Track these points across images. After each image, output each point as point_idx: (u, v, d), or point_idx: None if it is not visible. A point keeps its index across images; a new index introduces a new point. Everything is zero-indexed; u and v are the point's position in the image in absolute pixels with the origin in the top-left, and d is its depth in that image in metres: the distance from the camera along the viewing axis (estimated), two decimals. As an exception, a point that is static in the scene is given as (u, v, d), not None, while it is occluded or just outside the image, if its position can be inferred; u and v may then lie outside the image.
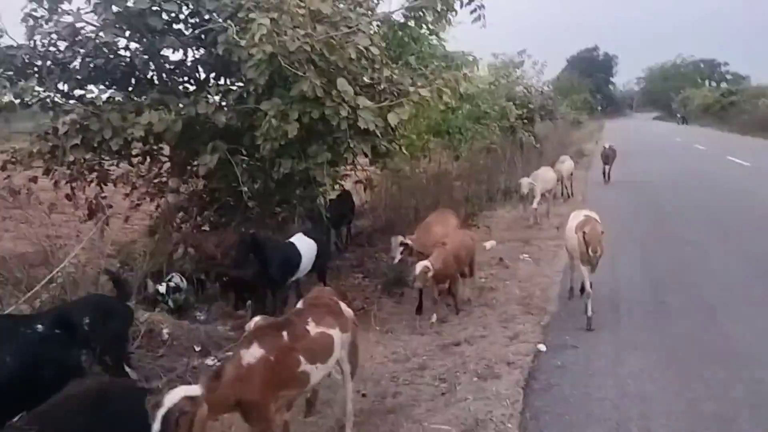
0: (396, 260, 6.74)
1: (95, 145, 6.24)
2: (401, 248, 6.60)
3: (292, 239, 6.55)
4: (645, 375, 4.75)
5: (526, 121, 18.88)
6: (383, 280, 7.34)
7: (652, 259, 8.31)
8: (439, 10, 9.42)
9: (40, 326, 3.77)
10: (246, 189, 6.51)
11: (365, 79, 6.74)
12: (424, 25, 10.06)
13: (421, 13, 9.15)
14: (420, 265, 5.79)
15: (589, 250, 5.60)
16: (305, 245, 6.45)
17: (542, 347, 5.28)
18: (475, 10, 10.21)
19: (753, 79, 65.78)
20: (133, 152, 7.18)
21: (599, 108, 69.65)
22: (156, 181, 7.98)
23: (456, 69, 9.87)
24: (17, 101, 6.77)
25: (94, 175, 7.30)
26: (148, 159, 7.71)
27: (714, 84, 68.79)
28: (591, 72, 79.81)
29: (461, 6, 9.95)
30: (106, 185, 7.54)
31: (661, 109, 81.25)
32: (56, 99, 6.62)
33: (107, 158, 7.05)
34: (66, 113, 6.09)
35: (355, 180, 10.48)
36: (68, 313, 4.05)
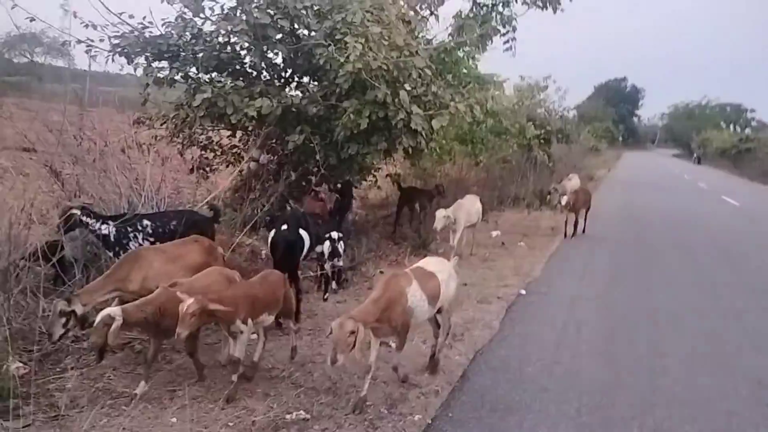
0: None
1: (218, 117, 8.60)
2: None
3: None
4: (583, 313, 7.03)
5: (542, 141, 21.10)
6: (411, 244, 9.66)
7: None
8: (476, 39, 11.89)
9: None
10: (321, 161, 8.85)
11: (417, 91, 9.03)
12: (462, 50, 12.46)
13: (462, 40, 11.55)
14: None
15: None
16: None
17: (523, 291, 7.64)
18: (507, 41, 12.62)
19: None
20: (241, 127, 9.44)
21: (620, 138, 71.43)
22: (233, 151, 10.39)
23: (485, 89, 12.17)
24: (150, 78, 9.15)
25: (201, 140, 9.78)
26: (240, 133, 10.11)
27: (738, 129, 69.85)
28: (617, 102, 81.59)
29: (498, 35, 12.38)
30: (205, 151, 10.03)
31: (681, 146, 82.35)
32: (192, 77, 8.92)
33: (219, 128, 9.40)
34: (202, 92, 8.39)
35: (386, 173, 12.86)
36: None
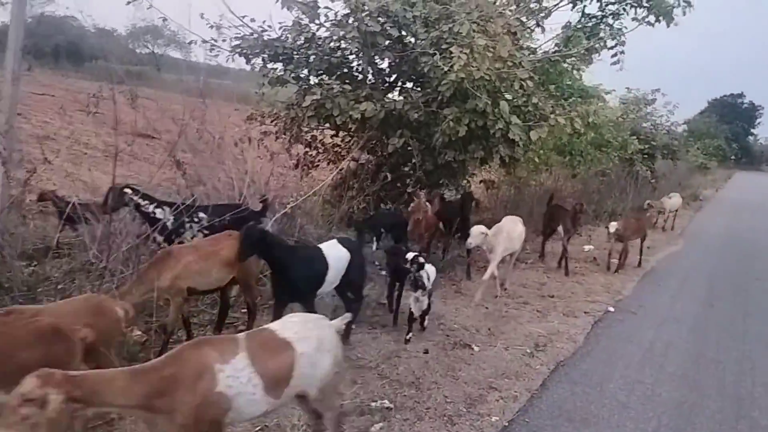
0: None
1: (324, 118, 9.11)
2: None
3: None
4: (671, 335, 6.93)
5: (646, 155, 20.39)
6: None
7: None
8: (583, 52, 11.78)
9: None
10: (419, 164, 9.17)
11: (518, 101, 9.13)
12: (567, 62, 12.35)
13: (569, 52, 11.48)
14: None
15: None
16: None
17: (611, 308, 7.59)
18: (615, 54, 12.37)
19: None
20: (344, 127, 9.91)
21: (732, 157, 67.13)
22: (335, 150, 10.89)
23: (588, 103, 12.00)
24: (266, 78, 9.80)
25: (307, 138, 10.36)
26: (343, 133, 10.60)
27: None
28: (731, 119, 76.52)
29: (604, 47, 12.17)
30: (309, 148, 10.61)
31: (803, 169, 76.33)
32: (302, 79, 9.48)
33: (324, 128, 9.94)
34: (312, 93, 8.90)
35: (480, 179, 12.98)
36: None
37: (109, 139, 9.75)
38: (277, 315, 4.63)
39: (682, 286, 9.45)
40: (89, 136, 13.04)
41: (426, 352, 5.60)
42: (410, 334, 5.83)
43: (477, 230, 7.49)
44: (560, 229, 9.78)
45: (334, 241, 5.67)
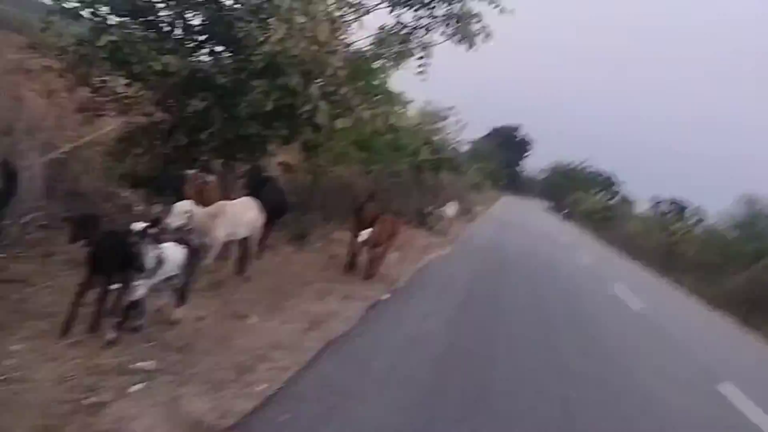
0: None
1: (120, 64, 8.32)
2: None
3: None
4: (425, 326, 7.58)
5: (433, 165, 22.07)
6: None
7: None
8: (394, 56, 12.34)
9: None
10: (217, 132, 8.82)
11: (328, 88, 9.26)
12: (378, 63, 12.86)
13: (381, 52, 11.95)
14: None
15: None
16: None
17: (385, 296, 8.10)
18: (422, 65, 13.15)
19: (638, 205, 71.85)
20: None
21: (503, 182, 75.57)
22: (126, 101, 10.05)
23: (391, 104, 12.65)
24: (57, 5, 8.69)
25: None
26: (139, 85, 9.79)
27: (607, 197, 75.85)
28: (507, 147, 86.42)
29: (414, 57, 12.86)
30: (96, 93, 9.63)
31: (556, 201, 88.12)
32: (99, 16, 8.56)
33: (118, 74, 9.07)
34: (109, 34, 8.07)
35: (278, 161, 12.98)
36: None
37: None
38: None
39: (447, 284, 10.40)
40: None
41: (201, 318, 5.42)
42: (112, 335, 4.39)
43: (181, 207, 5.99)
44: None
45: None
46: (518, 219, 36.96)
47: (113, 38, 7.99)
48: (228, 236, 6.78)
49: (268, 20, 7.93)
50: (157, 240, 4.50)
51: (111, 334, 4.37)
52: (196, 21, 9.28)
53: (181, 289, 5.14)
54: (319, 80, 8.51)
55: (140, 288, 4.48)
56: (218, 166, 10.14)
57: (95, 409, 3.51)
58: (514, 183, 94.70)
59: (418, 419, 4.71)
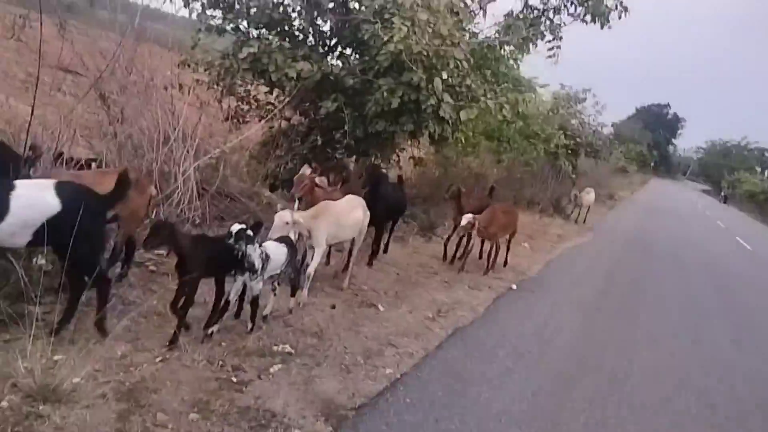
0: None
1: (259, 73, 9.06)
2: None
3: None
4: (564, 316, 7.46)
5: (570, 151, 21.30)
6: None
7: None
8: (521, 41, 12.12)
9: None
10: (349, 131, 9.29)
11: (452, 80, 9.38)
12: (505, 49, 12.71)
13: (508, 39, 11.82)
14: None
15: None
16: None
17: (514, 286, 8.08)
18: (552, 48, 12.81)
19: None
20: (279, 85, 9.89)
21: (652, 164, 70.77)
22: (268, 107, 10.84)
23: (519, 92, 12.43)
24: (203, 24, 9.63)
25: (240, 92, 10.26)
26: (278, 91, 10.55)
27: (768, 175, 68.57)
28: (655, 127, 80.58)
29: (542, 39, 12.55)
30: (241, 102, 10.52)
31: (711, 183, 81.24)
32: (241, 30, 9.37)
33: (259, 83, 9.85)
34: (249, 46, 8.81)
35: (409, 155, 13.25)
36: None
37: (31, 69, 9.31)
38: None
39: (583, 274, 10.11)
40: (10, 64, 12.39)
41: (333, 307, 5.82)
42: (214, 328, 4.63)
43: (280, 218, 5.51)
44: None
45: None
46: (668, 204, 34.56)
47: (253, 50, 8.71)
48: (333, 238, 6.26)
49: (393, 19, 8.20)
50: (254, 241, 4.59)
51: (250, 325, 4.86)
52: (326, 27, 9.84)
53: (291, 282, 5.46)
54: (443, 73, 8.64)
55: (256, 284, 4.72)
56: (352, 163, 10.69)
57: (239, 386, 3.96)
58: (665, 165, 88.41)
59: (545, 407, 4.74)
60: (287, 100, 10.18)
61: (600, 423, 4.69)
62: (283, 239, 5.29)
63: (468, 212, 8.22)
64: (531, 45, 12.61)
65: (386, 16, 8.49)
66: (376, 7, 8.76)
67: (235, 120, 10.41)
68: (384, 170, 9.92)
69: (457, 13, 9.97)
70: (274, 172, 9.81)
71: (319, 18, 9.51)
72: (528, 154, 16.92)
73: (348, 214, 6.42)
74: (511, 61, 14.05)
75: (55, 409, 3.17)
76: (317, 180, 7.35)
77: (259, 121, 10.76)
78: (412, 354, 5.15)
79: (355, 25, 9.10)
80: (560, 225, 14.78)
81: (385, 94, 8.55)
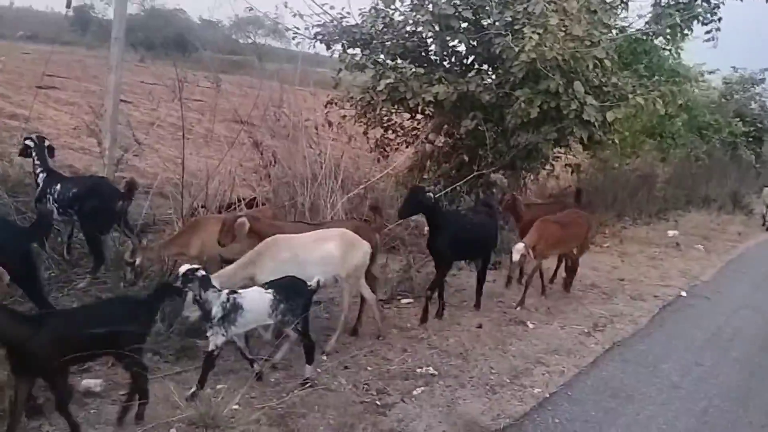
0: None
1: (398, 101, 9.36)
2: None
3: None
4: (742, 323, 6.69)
5: (751, 139, 19.14)
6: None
7: None
8: (671, 28, 11.20)
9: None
10: (490, 146, 9.22)
11: (595, 81, 8.94)
12: (656, 40, 11.84)
13: (657, 28, 11.01)
14: None
15: None
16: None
17: (683, 293, 7.39)
18: (710, 30, 11.71)
19: None
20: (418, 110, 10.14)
21: None
22: (413, 133, 11.09)
23: (678, 83, 11.48)
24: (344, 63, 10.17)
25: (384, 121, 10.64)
26: (419, 116, 10.80)
27: None
28: None
29: (699, 22, 11.51)
30: (386, 131, 10.90)
31: None
32: (379, 63, 9.78)
33: (401, 111, 10.16)
34: (386, 77, 9.15)
35: (564, 163, 12.71)
36: None
37: (209, 125, 10.45)
38: None
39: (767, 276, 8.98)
40: (192, 122, 14.08)
41: (480, 326, 5.77)
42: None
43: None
44: None
45: None
46: None
47: (390, 80, 9.02)
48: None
49: (523, 30, 8.06)
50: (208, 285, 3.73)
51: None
52: (462, 47, 9.92)
53: (302, 339, 4.20)
54: (584, 75, 8.29)
55: (213, 337, 3.79)
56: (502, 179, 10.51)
57: (383, 409, 4.07)
58: None
59: (716, 425, 4.28)
60: (430, 124, 10.46)
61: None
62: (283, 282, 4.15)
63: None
64: (687, 31, 11.67)
65: (517, 26, 8.37)
66: (509, 18, 8.68)
67: (382, 149, 10.81)
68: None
69: (595, 12, 9.53)
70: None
71: (452, 40, 9.61)
72: (698, 149, 15.46)
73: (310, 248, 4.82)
74: (667, 52, 13.05)
75: (214, 434, 3.50)
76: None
77: (407, 147, 11.10)
78: (563, 372, 4.93)
79: (487, 41, 9.07)
80: (741, 222, 13.22)
81: (522, 105, 8.37)
